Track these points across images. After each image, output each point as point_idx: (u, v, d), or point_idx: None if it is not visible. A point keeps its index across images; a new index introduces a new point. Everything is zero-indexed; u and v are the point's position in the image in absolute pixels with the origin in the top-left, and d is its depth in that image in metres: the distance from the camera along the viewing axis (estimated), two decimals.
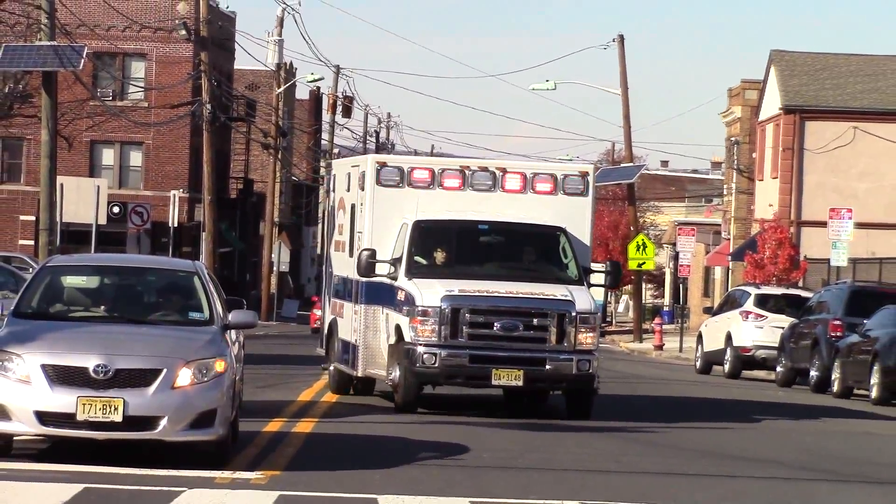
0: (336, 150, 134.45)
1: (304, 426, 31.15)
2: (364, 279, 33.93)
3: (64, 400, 24.18)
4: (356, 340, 34.93)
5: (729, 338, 60.53)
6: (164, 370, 24.38)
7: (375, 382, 37.31)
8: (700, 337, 65.11)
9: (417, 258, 33.30)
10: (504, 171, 34.27)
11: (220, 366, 24.91)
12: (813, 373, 50.90)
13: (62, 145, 60.48)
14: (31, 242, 60.74)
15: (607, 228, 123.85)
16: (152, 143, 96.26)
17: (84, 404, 24.14)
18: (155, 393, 24.27)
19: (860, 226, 69.73)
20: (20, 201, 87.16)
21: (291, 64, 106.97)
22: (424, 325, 31.84)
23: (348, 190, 36.66)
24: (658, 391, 51.66)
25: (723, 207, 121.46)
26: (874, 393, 45.37)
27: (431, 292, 31.87)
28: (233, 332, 26.65)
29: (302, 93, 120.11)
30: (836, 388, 48.42)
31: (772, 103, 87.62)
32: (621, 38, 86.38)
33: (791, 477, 27.56)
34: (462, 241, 34.33)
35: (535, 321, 32.51)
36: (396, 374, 32.64)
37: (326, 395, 38.79)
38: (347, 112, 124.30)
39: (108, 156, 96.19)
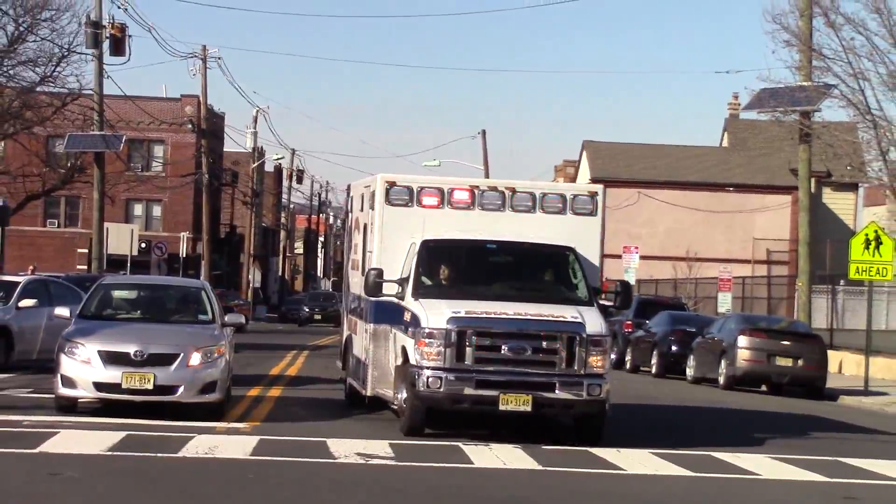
0: (292, 206, 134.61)
1: (275, 391, 30.88)
2: (372, 298, 24.39)
3: (113, 374, 24.25)
4: (366, 359, 25.32)
5: None
6: (181, 354, 24.51)
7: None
8: None
9: (424, 278, 23.68)
10: (513, 190, 24.73)
11: (219, 351, 25.11)
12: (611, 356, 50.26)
13: (107, 202, 60.15)
14: (85, 267, 60.37)
15: None
16: (168, 201, 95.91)
17: (126, 377, 24.20)
18: (175, 369, 24.37)
19: (643, 258, 70.45)
20: (78, 239, 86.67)
21: (262, 147, 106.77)
22: (430, 347, 22.17)
23: (361, 210, 26.85)
24: None
25: None
26: (654, 370, 45.17)
27: (437, 313, 22.39)
28: (227, 328, 26.88)
29: (269, 167, 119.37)
30: (628, 366, 48.07)
31: (584, 176, 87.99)
32: (483, 132, 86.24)
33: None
34: (470, 260, 24.64)
35: (544, 344, 22.55)
36: (402, 396, 23.01)
37: (289, 370, 38.65)
38: (300, 180, 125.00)
39: (138, 209, 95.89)
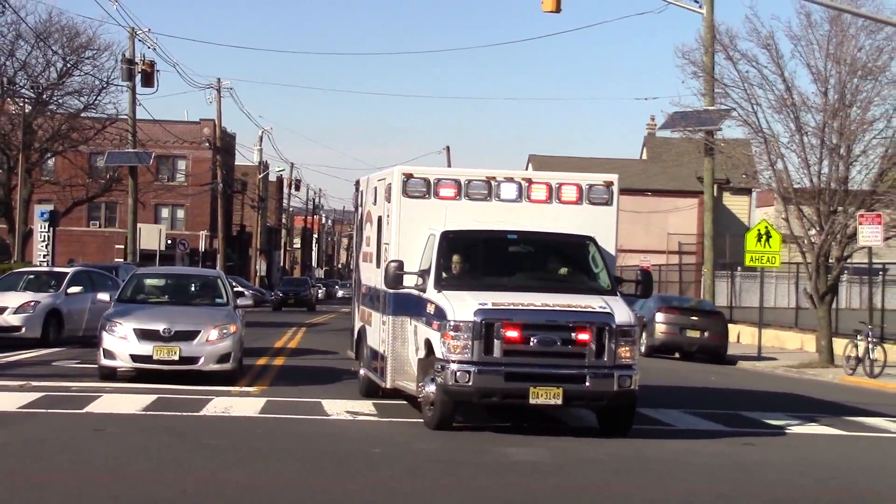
0: (291, 209, 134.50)
1: (279, 361, 30.81)
2: (392, 290, 20.07)
3: (146, 348, 24.22)
4: (384, 351, 20.78)
5: None
6: (202, 330, 24.48)
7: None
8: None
9: (446, 269, 19.61)
10: (530, 181, 20.59)
11: (233, 328, 25.05)
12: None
13: (140, 206, 59.99)
14: (122, 260, 60.23)
15: None
16: (189, 205, 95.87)
17: (157, 350, 24.16)
18: (197, 343, 24.35)
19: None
20: (116, 237, 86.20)
21: (266, 161, 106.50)
22: (457, 340, 18.19)
23: (375, 203, 22.33)
24: None
25: None
26: None
27: (463, 306, 18.44)
28: (239, 310, 26.85)
29: (272, 177, 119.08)
30: None
31: None
32: (448, 147, 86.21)
33: None
34: (491, 251, 20.34)
35: (573, 335, 18.46)
36: (430, 390, 18.85)
37: (290, 343, 38.50)
38: (297, 188, 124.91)
39: (165, 212, 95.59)
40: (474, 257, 19.95)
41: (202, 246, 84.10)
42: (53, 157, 63.97)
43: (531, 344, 18.19)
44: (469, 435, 18.71)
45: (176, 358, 24.24)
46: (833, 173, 38.90)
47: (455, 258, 19.62)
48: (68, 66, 56.61)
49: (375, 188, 22.25)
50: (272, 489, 13.84)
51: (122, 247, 66.25)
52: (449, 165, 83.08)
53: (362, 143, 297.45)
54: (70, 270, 36.62)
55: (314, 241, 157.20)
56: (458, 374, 18.05)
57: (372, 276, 22.35)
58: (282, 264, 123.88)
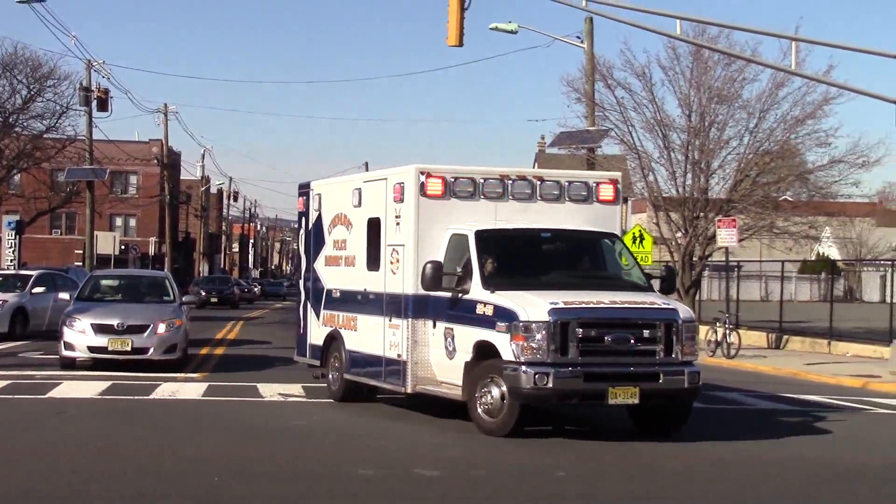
0: (229, 217, 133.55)
1: (220, 350, 30.62)
2: (414, 293, 17.03)
3: (102, 340, 24.04)
4: (400, 356, 17.33)
5: None
6: (151, 325, 24.36)
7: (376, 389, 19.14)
8: None
9: (490, 269, 16.53)
10: (541, 179, 17.81)
11: (178, 322, 24.97)
12: None
13: (96, 216, 59.32)
14: (80, 264, 59.45)
15: None
16: (140, 215, 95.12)
17: (112, 342, 24.00)
18: (147, 336, 24.21)
19: None
20: (75, 243, 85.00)
21: (208, 176, 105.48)
22: (530, 341, 15.26)
23: (359, 205, 18.90)
24: None
25: None
26: None
27: (533, 305, 15.46)
28: (184, 306, 26.66)
29: (213, 189, 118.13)
30: None
31: None
32: (366, 163, 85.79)
33: None
34: (525, 250, 17.38)
35: (645, 333, 15.83)
36: (494, 394, 15.81)
37: (229, 335, 38.21)
38: (235, 199, 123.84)
39: (119, 221, 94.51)
40: (510, 256, 17.09)
41: (152, 250, 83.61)
42: (19, 173, 62.98)
43: (606, 343, 15.59)
44: (385, 409, 18.72)
45: (128, 349, 24.08)
46: (696, 184, 39.67)
47: (493, 257, 16.72)
48: (32, 93, 55.97)
49: (358, 190, 18.97)
50: (215, 460, 13.79)
51: (81, 252, 65.40)
52: None
53: (293, 160, 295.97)
54: (35, 273, 36.25)
55: (250, 246, 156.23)
56: (536, 376, 15.21)
57: (351, 280, 19.11)
58: (222, 266, 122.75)
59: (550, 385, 15.24)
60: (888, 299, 37.94)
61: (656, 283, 17.88)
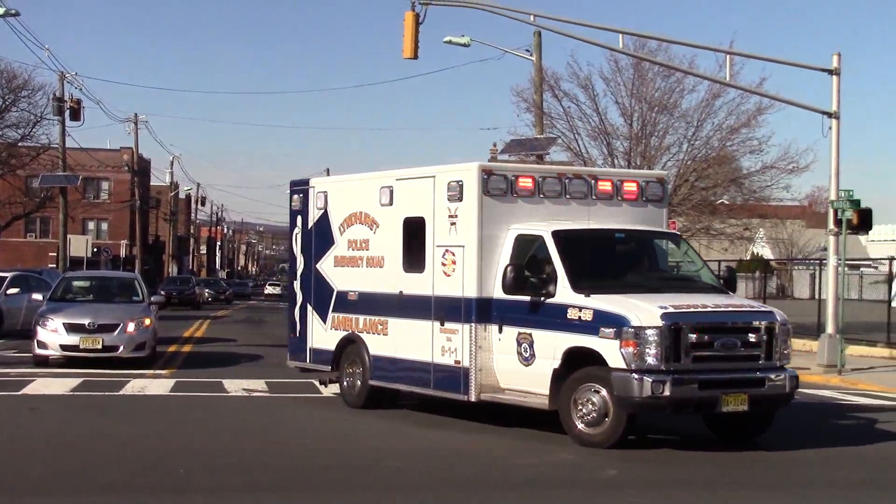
0: (197, 221, 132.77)
1: (187, 348, 30.41)
2: (476, 297, 15.33)
3: (74, 339, 23.82)
4: (458, 362, 15.56)
5: None
6: (121, 324, 24.14)
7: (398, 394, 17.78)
8: None
9: (577, 271, 14.73)
10: (595, 178, 16.37)
11: (147, 321, 24.75)
12: None
13: (70, 220, 58.79)
14: (54, 266, 58.87)
15: None
16: (112, 219, 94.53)
17: (83, 340, 23.78)
18: (117, 334, 24.00)
19: None
20: (49, 246, 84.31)
21: (177, 182, 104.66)
22: (642, 347, 13.63)
23: (389, 204, 17.18)
24: None
25: None
26: None
27: (644, 310, 13.87)
28: (153, 305, 26.47)
29: (182, 195, 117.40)
30: None
31: None
32: (328, 169, 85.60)
33: None
34: (602, 251, 15.78)
35: (750, 337, 14.32)
36: (595, 405, 14.14)
37: (196, 333, 37.93)
38: (203, 203, 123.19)
39: (92, 225, 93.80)
40: (590, 258, 15.45)
41: (123, 253, 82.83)
42: None
43: (715, 348, 14.09)
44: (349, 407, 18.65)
45: (99, 347, 23.87)
46: None
47: (577, 259, 15.06)
48: (7, 103, 55.56)
49: (390, 188, 17.21)
50: (183, 453, 13.69)
51: (55, 254, 64.79)
52: None
53: (259, 167, 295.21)
54: (9, 274, 35.83)
55: (217, 248, 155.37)
56: (652, 384, 13.63)
57: (383, 281, 17.27)
58: (191, 267, 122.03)
59: (667, 393, 13.69)
60: (817, 296, 38.27)
61: None
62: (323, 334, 18.76)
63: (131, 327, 24.19)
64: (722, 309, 14.53)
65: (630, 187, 16.52)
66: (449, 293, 15.93)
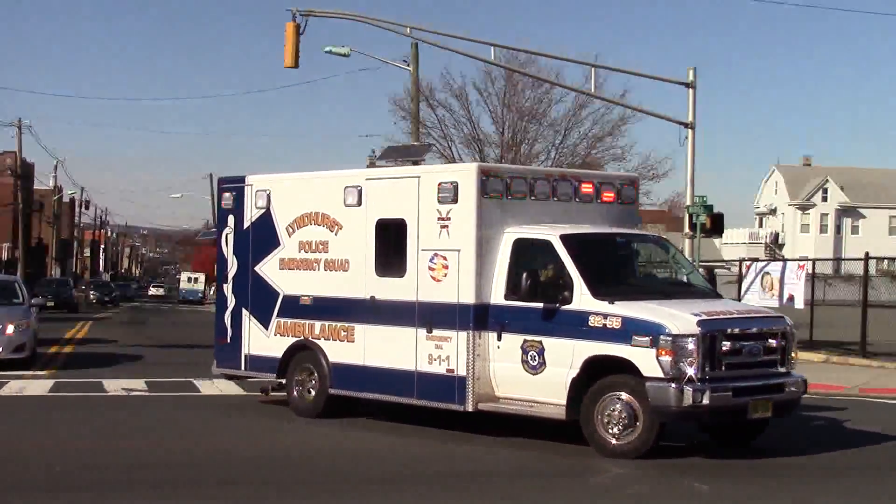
0: (81, 224, 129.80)
1: (68, 349, 29.62)
2: (473, 303, 14.20)
3: None
4: (451, 371, 14.40)
5: None
6: (0, 325, 23.32)
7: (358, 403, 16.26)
8: None
9: (592, 277, 13.75)
10: (579, 180, 15.46)
11: (27, 323, 23.98)
12: None
13: None
14: None
15: None
16: None
17: None
18: None
19: None
20: None
21: (61, 185, 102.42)
22: (681, 356, 12.79)
23: (357, 205, 15.78)
24: None
25: None
26: None
27: (679, 318, 13.07)
28: (33, 308, 25.69)
29: (66, 198, 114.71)
30: None
31: None
32: (211, 174, 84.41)
33: None
34: (608, 256, 14.96)
35: (770, 342, 13.67)
36: (622, 415, 13.17)
37: (78, 334, 36.92)
38: (87, 207, 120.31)
39: None
40: (599, 263, 14.41)
41: (5, 256, 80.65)
42: None
43: (743, 355, 13.40)
44: (221, 404, 18.36)
45: None
46: None
47: (588, 264, 14.01)
48: None
49: (358, 188, 15.88)
50: (58, 451, 13.33)
51: None
52: (212, 190, 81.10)
53: (140, 169, 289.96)
54: None
55: (101, 251, 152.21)
56: (693, 393, 12.78)
57: (348, 285, 15.87)
58: (74, 270, 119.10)
59: (706, 402, 12.84)
60: None
61: None
62: (264, 340, 17.06)
63: (10, 329, 23.41)
64: (746, 315, 13.95)
65: (608, 189, 15.62)
66: (439, 299, 14.66)
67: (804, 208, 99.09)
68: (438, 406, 14.74)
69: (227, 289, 17.86)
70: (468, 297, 14.34)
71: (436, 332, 14.66)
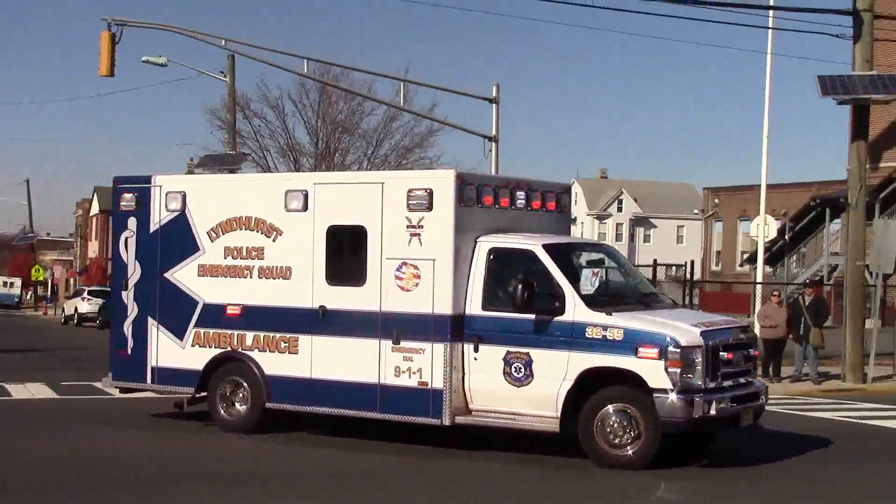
0: None
1: None
2: (450, 314, 13.36)
3: None
4: (425, 383, 13.43)
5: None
6: None
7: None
8: None
9: (581, 287, 13.39)
10: (529, 188, 14.69)
11: None
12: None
13: None
14: None
15: None
16: None
17: None
18: None
19: None
20: None
21: None
22: (688, 367, 12.38)
23: (303, 210, 14.59)
24: None
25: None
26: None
27: (683, 329, 12.68)
28: None
29: None
30: None
31: (96, 208, 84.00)
32: (27, 179, 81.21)
33: None
34: (581, 265, 14.34)
35: (750, 351, 13.53)
36: (623, 427, 12.64)
37: None
38: None
39: None
40: (579, 274, 13.85)
41: None
42: None
43: (733, 364, 13.04)
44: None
45: None
46: None
47: (573, 274, 13.49)
48: None
49: (304, 192, 14.69)
50: None
51: None
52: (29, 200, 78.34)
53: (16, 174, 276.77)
54: None
55: None
56: (702, 404, 12.39)
57: (292, 294, 14.62)
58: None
59: (714, 412, 12.50)
60: None
61: None
62: (177, 352, 15.42)
63: None
64: (728, 326, 13.52)
65: (551, 198, 14.98)
66: (408, 309, 13.69)
67: (601, 218, 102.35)
68: (409, 420, 13.72)
69: (127, 296, 16.01)
70: (444, 308, 13.44)
71: (404, 344, 13.66)
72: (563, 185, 15.51)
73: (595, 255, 14.90)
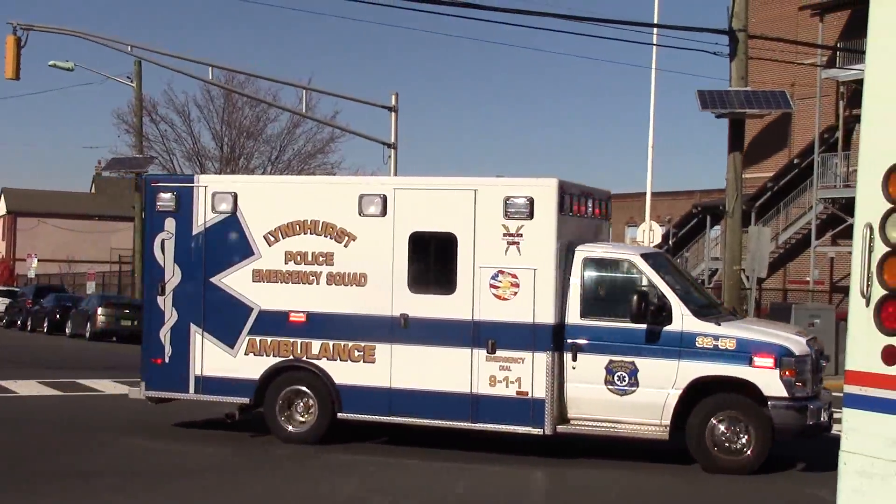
0: None
1: None
2: (552, 323, 12.85)
3: None
4: (524, 393, 12.81)
5: None
6: None
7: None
8: None
9: (683, 298, 12.93)
10: (592, 195, 14.12)
11: None
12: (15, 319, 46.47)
13: None
14: None
15: None
16: None
17: None
18: None
19: (41, 261, 65.81)
20: None
21: None
22: (802, 376, 12.30)
23: (381, 215, 13.51)
24: None
25: None
26: (45, 330, 41.96)
27: (793, 340, 12.59)
28: None
29: None
30: (29, 328, 43.04)
31: (2, 209, 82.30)
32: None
33: None
34: (674, 275, 13.76)
35: (822, 362, 13.24)
36: (735, 433, 12.45)
37: None
38: None
39: None
40: (672, 282, 13.29)
41: None
42: None
43: (819, 373, 12.91)
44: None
45: None
46: None
47: (670, 284, 13.06)
48: None
49: (382, 197, 13.62)
50: None
51: None
52: None
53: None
54: None
55: None
56: (815, 412, 12.32)
57: (367, 301, 13.57)
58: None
59: (824, 419, 12.45)
60: None
61: None
62: (228, 361, 14.05)
63: None
64: (813, 336, 13.37)
65: (597, 205, 14.35)
66: (505, 318, 13.03)
67: None
68: (507, 430, 13.08)
69: (164, 302, 14.43)
70: (546, 317, 12.92)
71: (500, 353, 13.00)
72: (607, 191, 14.92)
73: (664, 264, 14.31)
